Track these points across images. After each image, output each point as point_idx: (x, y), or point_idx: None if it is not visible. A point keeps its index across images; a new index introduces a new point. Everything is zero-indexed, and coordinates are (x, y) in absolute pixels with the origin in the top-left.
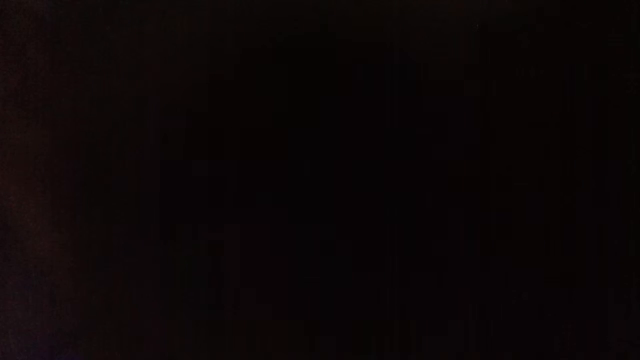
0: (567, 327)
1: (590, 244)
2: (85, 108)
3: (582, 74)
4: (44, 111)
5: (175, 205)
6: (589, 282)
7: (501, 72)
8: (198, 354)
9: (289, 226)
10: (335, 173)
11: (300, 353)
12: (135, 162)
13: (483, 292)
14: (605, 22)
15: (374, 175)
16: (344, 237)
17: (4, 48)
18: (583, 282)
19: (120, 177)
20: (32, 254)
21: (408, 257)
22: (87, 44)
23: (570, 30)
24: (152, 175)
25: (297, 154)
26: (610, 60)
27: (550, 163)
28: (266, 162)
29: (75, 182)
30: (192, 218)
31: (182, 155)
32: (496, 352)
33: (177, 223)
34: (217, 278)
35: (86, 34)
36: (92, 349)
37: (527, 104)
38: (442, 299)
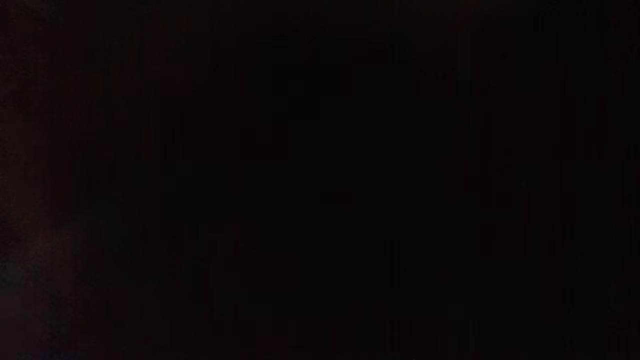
0: (567, 327)
1: (590, 244)
2: (85, 108)
3: (582, 74)
4: (44, 111)
5: (175, 205)
6: (589, 282)
7: (501, 72)
8: (198, 354)
9: (289, 226)
10: (335, 173)
11: (300, 353)
12: (135, 162)
13: (483, 292)
14: (605, 22)
15: (374, 175)
16: (344, 237)
17: (4, 48)
18: (583, 282)
19: (121, 177)
20: (32, 254)
21: (408, 257)
22: (87, 43)
23: (569, 30)
24: (152, 175)
25: (297, 154)
26: (610, 60)
27: (550, 163)
28: (266, 162)
29: (76, 182)
30: (192, 218)
31: (182, 155)
32: (496, 352)
33: (177, 223)
34: (217, 278)
35: (86, 34)
36: (92, 349)
37: (527, 103)
38: (442, 298)
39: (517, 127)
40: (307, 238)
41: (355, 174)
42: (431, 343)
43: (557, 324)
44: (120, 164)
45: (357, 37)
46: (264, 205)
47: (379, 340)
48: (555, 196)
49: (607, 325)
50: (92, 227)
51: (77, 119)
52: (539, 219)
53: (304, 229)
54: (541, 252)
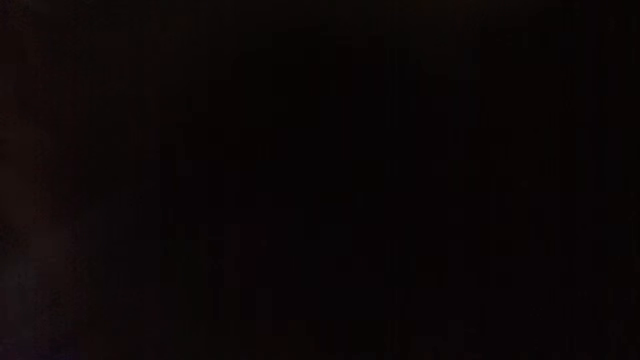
0: (567, 327)
1: (590, 244)
2: (85, 108)
3: (582, 74)
4: (44, 111)
5: (175, 205)
6: (589, 282)
7: (501, 72)
8: (198, 354)
9: (289, 226)
10: (335, 173)
11: (300, 353)
12: (135, 162)
13: (483, 292)
14: (605, 22)
15: (374, 175)
16: (344, 237)
17: (4, 48)
18: (583, 282)
19: (120, 177)
20: (32, 254)
21: (408, 257)
22: (87, 44)
23: (570, 30)
24: (152, 175)
25: (297, 154)
26: (610, 60)
27: (550, 163)
28: (266, 162)
29: (75, 182)
30: (192, 218)
31: (182, 155)
32: (496, 352)
33: (177, 223)
34: (217, 278)
35: (86, 34)
36: (92, 349)
37: (527, 103)
38: (442, 299)
39: (517, 127)
40: (307, 238)
41: (355, 173)
42: (431, 343)
43: (557, 324)
44: (120, 163)
45: (357, 37)
46: (264, 205)
47: (379, 341)
48: (556, 196)
49: (607, 325)
50: (92, 227)
51: (77, 119)
52: (539, 219)
53: (304, 229)
54: (541, 252)
